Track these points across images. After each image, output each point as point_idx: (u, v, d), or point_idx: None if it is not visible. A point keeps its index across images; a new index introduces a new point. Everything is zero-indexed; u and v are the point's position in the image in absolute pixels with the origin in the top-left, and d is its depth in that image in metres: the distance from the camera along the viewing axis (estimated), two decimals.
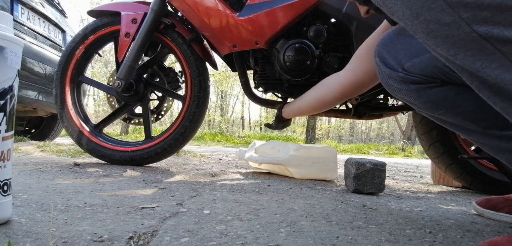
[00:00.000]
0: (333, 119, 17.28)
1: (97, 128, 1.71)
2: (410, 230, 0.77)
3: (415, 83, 0.68)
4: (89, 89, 4.42)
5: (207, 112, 2.08)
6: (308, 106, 1.21)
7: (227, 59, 1.61)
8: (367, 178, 1.24)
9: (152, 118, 1.80)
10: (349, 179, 1.30)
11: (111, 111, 1.77)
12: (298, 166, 1.56)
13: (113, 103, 1.76)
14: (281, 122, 1.40)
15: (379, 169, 1.25)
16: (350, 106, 1.51)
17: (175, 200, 0.95)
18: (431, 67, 0.65)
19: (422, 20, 0.45)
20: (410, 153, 7.81)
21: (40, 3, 2.84)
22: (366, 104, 1.50)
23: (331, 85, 1.08)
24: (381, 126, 24.00)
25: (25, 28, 2.61)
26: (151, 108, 1.80)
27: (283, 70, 1.41)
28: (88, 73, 1.85)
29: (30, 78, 2.60)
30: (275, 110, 1.45)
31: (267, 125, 1.49)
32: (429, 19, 0.44)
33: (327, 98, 1.10)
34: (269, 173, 1.75)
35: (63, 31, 3.17)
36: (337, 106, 1.53)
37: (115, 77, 1.57)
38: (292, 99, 1.62)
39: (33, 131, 3.55)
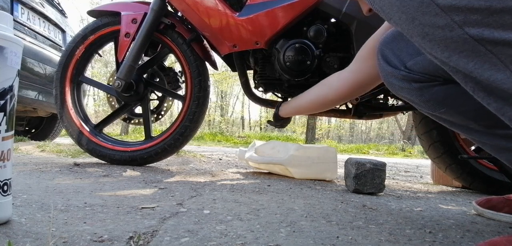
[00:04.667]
0: (333, 119, 17.28)
1: (97, 128, 1.71)
2: (410, 230, 0.77)
3: (417, 82, 0.68)
4: (89, 89, 4.42)
5: (207, 112, 2.08)
6: (308, 105, 1.19)
7: (227, 59, 1.61)
8: (367, 178, 1.24)
9: (152, 118, 1.80)
10: (349, 179, 1.30)
11: (111, 111, 1.77)
12: (298, 166, 1.56)
13: (113, 103, 1.76)
14: (279, 120, 1.38)
15: (379, 169, 1.25)
16: (350, 106, 1.51)
17: (175, 200, 0.95)
18: (433, 66, 0.65)
19: (417, 24, 0.46)
20: (410, 153, 7.81)
21: (40, 3, 2.84)
22: (366, 104, 1.50)
23: (333, 85, 1.06)
24: (381, 126, 24.00)
25: (25, 28, 2.61)
26: (151, 108, 1.80)
27: (283, 70, 1.41)
28: (88, 73, 1.85)
29: (30, 78, 2.60)
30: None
31: (269, 122, 1.48)
32: (424, 23, 0.45)
33: (329, 98, 1.08)
34: (269, 173, 1.75)
35: (63, 31, 3.17)
36: (337, 106, 1.53)
37: (115, 77, 1.57)
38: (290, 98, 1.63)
39: (33, 131, 3.55)
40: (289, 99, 1.42)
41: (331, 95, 1.07)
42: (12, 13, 2.47)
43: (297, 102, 1.26)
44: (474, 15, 0.42)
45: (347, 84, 1.01)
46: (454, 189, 1.63)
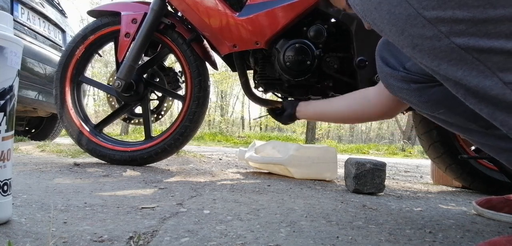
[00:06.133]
0: None
1: (97, 128, 1.71)
2: (410, 230, 0.77)
3: (416, 82, 0.68)
4: (89, 89, 4.42)
5: (207, 112, 2.08)
6: (337, 115, 1.08)
7: (227, 59, 1.61)
8: (367, 178, 1.24)
9: (152, 118, 1.80)
10: (349, 179, 1.30)
11: (111, 111, 1.77)
12: (298, 166, 1.56)
13: (113, 103, 1.76)
14: (291, 120, 1.30)
15: (379, 169, 1.25)
16: None
17: (175, 200, 0.95)
18: None
19: (406, 35, 0.48)
20: (410, 153, 7.81)
21: (40, 3, 2.84)
22: None
23: (372, 100, 0.94)
24: (381, 126, 24.01)
25: (25, 28, 2.61)
26: (151, 108, 1.80)
27: (283, 70, 1.41)
28: (88, 73, 1.85)
29: (30, 78, 2.60)
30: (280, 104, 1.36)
31: (271, 113, 1.37)
32: (413, 34, 0.47)
33: (365, 114, 0.97)
34: (269, 173, 1.75)
35: (63, 31, 3.17)
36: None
37: (115, 77, 1.57)
38: (292, 98, 1.62)
39: (33, 131, 3.55)
40: (308, 101, 1.28)
41: (369, 112, 0.96)
42: (12, 13, 2.47)
43: (323, 108, 1.15)
44: (459, 26, 0.43)
45: (387, 104, 0.90)
46: (454, 189, 1.63)
